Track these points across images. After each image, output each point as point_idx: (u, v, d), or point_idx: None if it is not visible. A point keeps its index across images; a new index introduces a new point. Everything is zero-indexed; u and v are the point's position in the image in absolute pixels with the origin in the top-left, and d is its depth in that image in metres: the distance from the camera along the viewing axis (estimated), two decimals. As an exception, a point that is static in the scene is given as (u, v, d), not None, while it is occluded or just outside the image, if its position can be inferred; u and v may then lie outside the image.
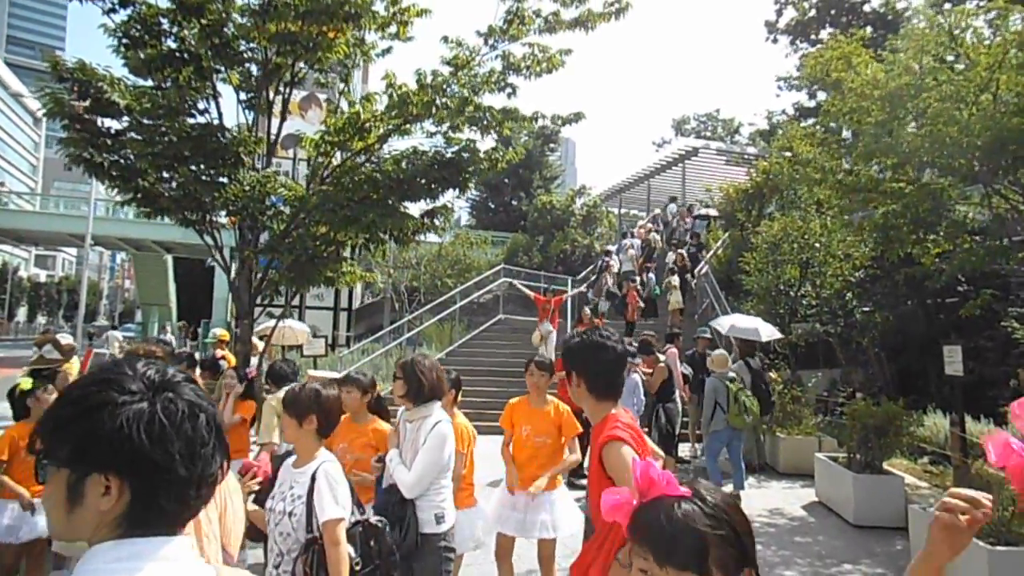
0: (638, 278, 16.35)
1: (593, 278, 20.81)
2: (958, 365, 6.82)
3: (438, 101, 6.54)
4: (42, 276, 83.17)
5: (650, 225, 21.22)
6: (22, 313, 73.49)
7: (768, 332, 9.86)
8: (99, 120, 6.81)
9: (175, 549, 0.97)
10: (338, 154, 7.50)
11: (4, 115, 78.87)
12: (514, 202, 34.10)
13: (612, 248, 20.34)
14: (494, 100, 6.14)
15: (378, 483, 3.33)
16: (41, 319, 74.53)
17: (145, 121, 6.50)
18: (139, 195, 7.17)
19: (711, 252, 17.47)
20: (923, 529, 4.54)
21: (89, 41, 6.97)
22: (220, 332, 9.12)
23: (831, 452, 7.93)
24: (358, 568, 2.61)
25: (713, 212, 19.48)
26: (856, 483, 6.77)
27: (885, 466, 7.13)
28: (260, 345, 8.50)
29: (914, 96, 7.26)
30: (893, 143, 7.38)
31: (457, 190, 7.51)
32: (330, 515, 2.53)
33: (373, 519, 2.82)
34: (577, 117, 7.28)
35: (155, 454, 0.94)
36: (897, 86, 7.41)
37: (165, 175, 6.95)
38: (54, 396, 3.96)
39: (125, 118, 6.79)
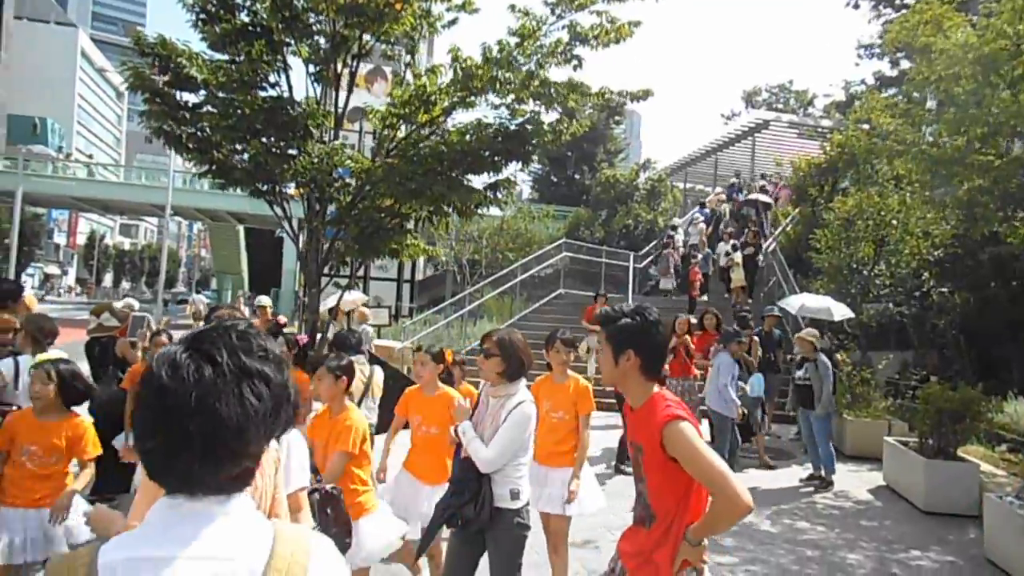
0: (699, 255, 15.99)
1: (655, 255, 20.52)
2: (1045, 350, 6.44)
3: (502, 76, 6.49)
4: (126, 244, 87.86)
5: (723, 195, 20.54)
6: (108, 279, 78.01)
7: (840, 312, 9.60)
8: (178, 94, 7.08)
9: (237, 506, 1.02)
10: (404, 127, 7.57)
11: (90, 89, 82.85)
12: (577, 176, 33.78)
13: (677, 222, 19.97)
14: (560, 72, 6.12)
15: (456, 453, 3.20)
16: (125, 284, 78.99)
17: (220, 94, 6.72)
18: (214, 167, 7.45)
19: (780, 228, 16.91)
20: (998, 518, 4.40)
21: (168, 16, 7.23)
22: (266, 301, 9.45)
23: (901, 436, 7.66)
24: None
25: (764, 198, 18.11)
26: (927, 468, 6.53)
27: (960, 452, 6.85)
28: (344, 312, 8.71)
29: (1009, 61, 6.79)
30: (984, 112, 6.93)
31: (520, 162, 7.49)
32: (297, 484, 2.40)
33: (329, 486, 2.74)
34: (645, 94, 7.11)
35: None
36: (992, 51, 6.94)
37: (238, 147, 7.18)
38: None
39: (202, 92, 7.03)
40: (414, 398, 4.13)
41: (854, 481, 7.48)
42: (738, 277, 14.50)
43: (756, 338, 9.07)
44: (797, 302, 10.06)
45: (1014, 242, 8.61)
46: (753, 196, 18.28)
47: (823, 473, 7.21)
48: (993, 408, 7.95)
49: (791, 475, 7.62)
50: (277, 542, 0.99)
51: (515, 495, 3.03)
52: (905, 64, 19.18)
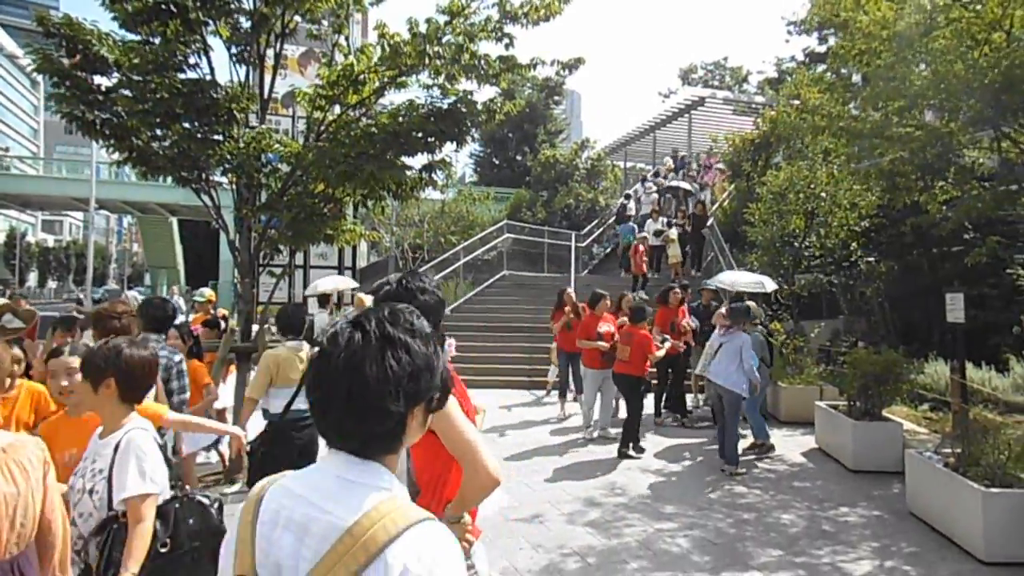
0: (649, 227, 16.16)
1: (598, 232, 20.68)
2: (959, 312, 6.78)
3: (430, 50, 6.36)
4: (50, 241, 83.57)
5: (671, 164, 20.80)
6: (33, 278, 74.13)
7: (771, 285, 9.98)
8: (89, 77, 6.69)
9: None
10: (334, 109, 7.37)
11: (1, 78, 78.06)
12: (518, 157, 33.76)
13: (630, 192, 20.23)
14: (491, 50, 6.08)
15: None
16: (51, 284, 75.24)
17: (135, 77, 6.38)
18: (133, 154, 7.08)
19: (716, 204, 17.29)
20: (919, 473, 4.60)
21: (82, 1, 6.82)
22: (208, 293, 9.19)
23: (832, 400, 7.97)
24: (164, 550, 2.31)
25: (685, 185, 18.07)
26: (855, 429, 6.82)
27: (885, 413, 7.17)
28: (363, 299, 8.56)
29: (923, 35, 7.05)
30: (900, 86, 7.19)
31: (455, 143, 7.38)
32: (133, 491, 2.23)
33: (200, 496, 2.56)
34: (577, 62, 7.06)
35: None
36: (907, 25, 7.19)
37: (158, 133, 6.85)
38: None
39: (115, 74, 6.67)
40: None
41: (789, 445, 7.77)
42: (674, 253, 14.79)
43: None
44: (729, 279, 10.36)
45: (932, 211, 9.01)
46: (674, 183, 18.62)
47: (759, 440, 7.45)
48: (915, 369, 8.36)
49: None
50: (372, 511, 1.07)
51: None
52: (833, 40, 19.77)
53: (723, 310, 7.55)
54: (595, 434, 7.96)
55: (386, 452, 1.17)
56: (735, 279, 10.27)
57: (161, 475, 2.37)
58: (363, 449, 1.14)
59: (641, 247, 14.56)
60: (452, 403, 2.06)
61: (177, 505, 2.44)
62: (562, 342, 8.99)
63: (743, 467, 6.76)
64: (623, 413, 7.78)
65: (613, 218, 20.14)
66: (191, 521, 2.44)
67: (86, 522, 2.29)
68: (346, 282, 13.53)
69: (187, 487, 2.70)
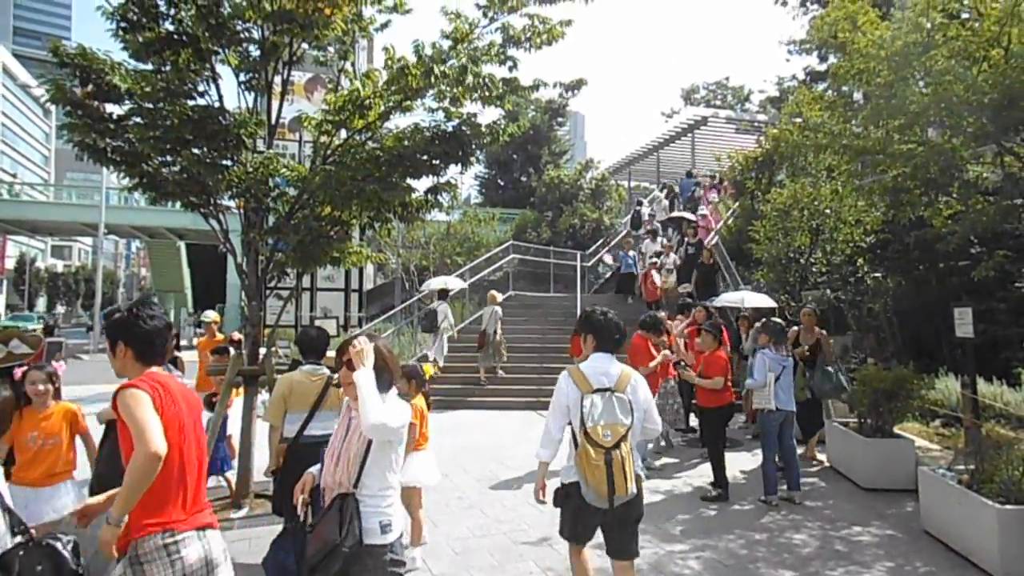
0: (644, 250, 16.09)
1: (613, 243, 20.47)
2: (968, 327, 6.75)
3: (437, 70, 6.45)
4: (59, 266, 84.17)
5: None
6: (41, 303, 74.59)
7: (772, 303, 10.00)
8: (101, 105, 6.81)
9: None
10: (342, 133, 7.47)
11: (14, 107, 79.33)
12: (523, 178, 33.93)
13: (642, 199, 20.39)
14: (495, 73, 6.16)
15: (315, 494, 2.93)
16: (60, 308, 75.68)
17: (146, 105, 6.48)
18: (144, 180, 7.19)
19: (720, 222, 17.29)
20: (932, 490, 4.57)
21: (94, 29, 6.96)
22: (212, 315, 9.24)
23: (842, 418, 7.91)
24: None
25: (690, 216, 17.40)
26: (866, 447, 6.78)
27: (896, 430, 7.13)
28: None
29: (921, 54, 7.10)
30: (900, 104, 7.24)
31: (460, 165, 7.45)
32: None
33: (49, 539, 2.47)
34: (579, 84, 7.16)
35: None
36: (904, 45, 7.25)
37: (168, 159, 6.95)
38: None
39: (127, 102, 6.78)
40: None
41: (800, 464, 7.69)
42: (670, 281, 14.39)
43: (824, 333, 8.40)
44: (735, 296, 10.33)
45: (937, 225, 9.01)
46: (676, 214, 18.40)
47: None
48: (925, 385, 8.29)
49: (740, 462, 7.79)
50: None
51: (385, 528, 2.68)
52: (833, 59, 19.90)
53: (761, 330, 7.30)
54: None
55: None
56: (743, 296, 10.23)
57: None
58: None
59: (653, 274, 14.33)
60: (137, 395, 2.34)
61: (21, 552, 2.38)
62: None
63: (753, 484, 6.70)
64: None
65: (627, 226, 20.23)
66: (39, 568, 2.38)
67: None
68: (455, 281, 14.81)
69: (33, 532, 2.61)
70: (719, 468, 6.58)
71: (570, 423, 3.54)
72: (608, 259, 20.22)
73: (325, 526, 2.59)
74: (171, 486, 2.39)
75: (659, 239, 16.12)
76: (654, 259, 14.82)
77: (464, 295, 16.36)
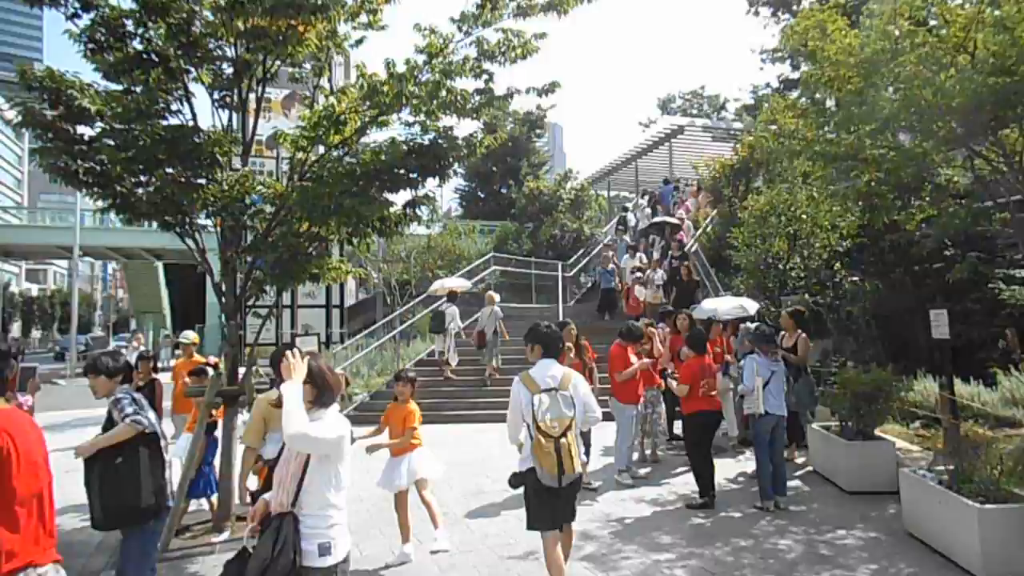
0: (623, 265, 15.91)
1: (591, 254, 20.44)
2: (945, 329, 6.84)
3: (407, 90, 6.45)
4: (34, 290, 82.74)
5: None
6: (16, 328, 73.19)
7: (752, 305, 10.02)
8: (72, 128, 6.71)
9: None
10: (319, 149, 7.44)
11: (-15, 130, 78.16)
12: (503, 190, 33.99)
13: (628, 205, 20.44)
14: (470, 86, 6.16)
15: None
16: (35, 333, 74.32)
17: (117, 125, 6.40)
18: (117, 201, 7.08)
19: (699, 230, 17.42)
20: (914, 492, 4.61)
21: (66, 51, 6.87)
22: (192, 336, 9.10)
23: (824, 422, 7.96)
24: None
25: (673, 220, 17.44)
26: (848, 450, 6.82)
27: (877, 432, 7.17)
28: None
29: (890, 61, 7.23)
30: (871, 110, 7.35)
31: (438, 178, 7.44)
32: None
33: None
34: (553, 87, 7.14)
35: None
36: (872, 52, 7.38)
37: (142, 179, 6.86)
38: None
39: (98, 124, 6.70)
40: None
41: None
42: (656, 295, 14.06)
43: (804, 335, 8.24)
44: (710, 306, 10.22)
45: (911, 229, 9.15)
46: (659, 219, 18.20)
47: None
48: (904, 387, 8.39)
49: (724, 469, 7.80)
50: None
51: (324, 550, 2.59)
52: (805, 68, 20.24)
53: (746, 336, 7.27)
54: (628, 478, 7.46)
55: None
56: (716, 306, 10.14)
57: None
58: None
59: (636, 289, 14.13)
60: None
61: None
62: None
63: (736, 491, 6.71)
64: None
65: (612, 234, 20.34)
66: None
67: None
68: (460, 282, 15.14)
69: None
70: (700, 476, 6.57)
71: (524, 420, 4.10)
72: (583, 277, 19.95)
73: (261, 546, 2.53)
74: (32, 522, 2.39)
75: (638, 255, 16.05)
76: (636, 274, 14.61)
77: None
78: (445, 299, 13.57)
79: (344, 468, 2.75)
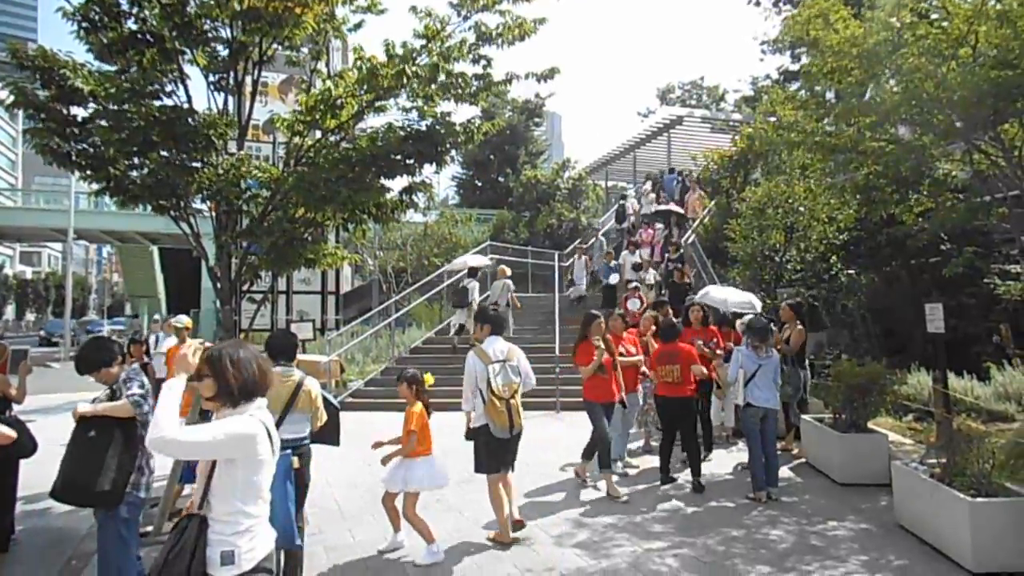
0: (622, 262, 15.55)
1: (589, 244, 20.26)
2: (939, 322, 6.83)
3: (408, 70, 6.39)
4: (28, 273, 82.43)
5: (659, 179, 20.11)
6: (10, 311, 72.99)
7: (759, 304, 9.87)
8: (64, 108, 6.65)
9: None
10: (313, 134, 7.38)
11: (-21, 110, 77.45)
12: (500, 179, 33.93)
13: (628, 192, 20.26)
14: (468, 71, 6.11)
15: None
16: (30, 316, 74.09)
17: (111, 106, 6.34)
18: (111, 183, 7.03)
19: (697, 221, 17.39)
20: (906, 484, 4.61)
21: (60, 33, 6.77)
22: (185, 320, 9.05)
23: (818, 414, 7.98)
24: None
25: (678, 209, 16.94)
26: (841, 443, 6.83)
27: (870, 425, 7.19)
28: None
29: (892, 53, 7.19)
30: (871, 102, 7.32)
31: (435, 164, 7.40)
32: None
33: None
34: (552, 73, 7.10)
35: None
36: (875, 43, 7.33)
37: (135, 161, 6.81)
38: None
39: (91, 105, 6.63)
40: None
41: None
42: (651, 296, 13.36)
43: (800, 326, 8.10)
44: (719, 295, 10.04)
45: (908, 222, 9.14)
46: (663, 207, 17.34)
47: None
48: (898, 380, 8.40)
49: (717, 459, 7.83)
50: None
51: (226, 559, 2.35)
52: (806, 59, 20.15)
53: (743, 329, 7.20)
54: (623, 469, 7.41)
55: None
56: (726, 296, 9.90)
57: None
58: None
59: (629, 303, 13.80)
60: None
61: None
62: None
63: (728, 482, 6.73)
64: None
65: (612, 220, 20.22)
66: None
67: None
68: (480, 258, 15.52)
69: None
70: (661, 455, 6.93)
71: (479, 386, 5.01)
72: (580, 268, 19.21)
73: (164, 546, 2.40)
74: None
75: (638, 251, 15.65)
76: (634, 281, 13.70)
77: (443, 296, 16.27)
78: (466, 274, 13.91)
79: (262, 475, 2.45)
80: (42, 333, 38.37)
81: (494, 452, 5.07)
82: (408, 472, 4.96)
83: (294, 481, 3.49)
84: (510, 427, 5.00)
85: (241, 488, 2.40)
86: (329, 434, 4.94)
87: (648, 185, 19.73)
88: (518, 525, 5.33)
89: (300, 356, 12.76)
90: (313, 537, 5.25)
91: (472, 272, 13.82)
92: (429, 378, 5.20)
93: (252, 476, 2.42)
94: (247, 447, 2.39)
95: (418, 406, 5.02)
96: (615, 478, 6.73)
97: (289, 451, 2.73)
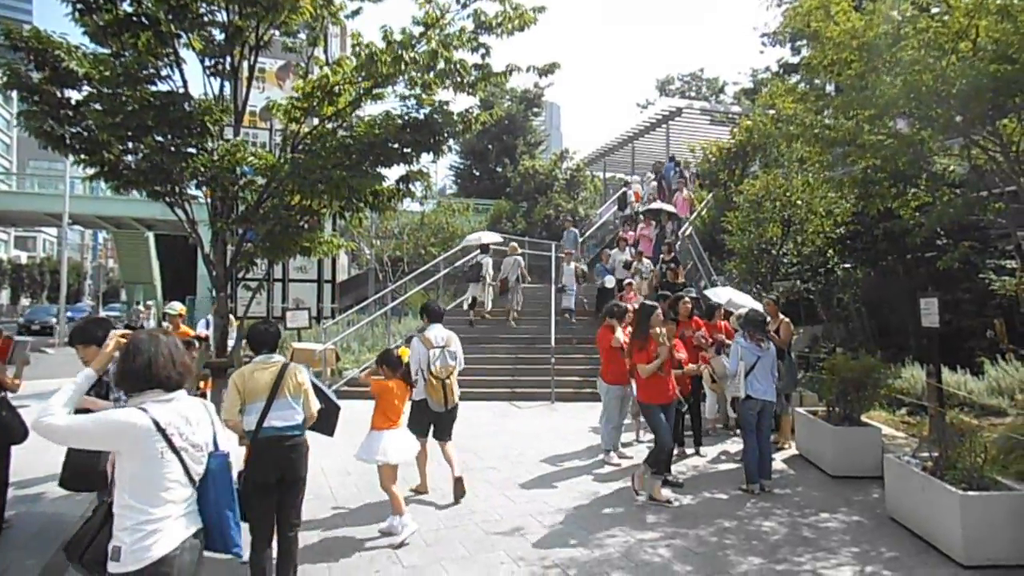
0: (613, 261, 15.31)
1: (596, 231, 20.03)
2: (934, 317, 6.85)
3: (407, 56, 6.33)
4: (23, 258, 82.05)
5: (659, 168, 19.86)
6: (4, 296, 72.73)
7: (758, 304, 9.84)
8: (58, 91, 6.57)
9: None
10: (310, 120, 7.32)
11: (-27, 93, 76.79)
12: (499, 169, 33.81)
13: (629, 180, 20.26)
14: (467, 60, 6.05)
15: None
16: (24, 301, 73.81)
17: (105, 90, 6.26)
18: (105, 168, 6.97)
19: (695, 213, 17.36)
20: (897, 477, 4.63)
21: (55, 15, 6.69)
22: (179, 307, 8.98)
23: (812, 407, 8.01)
24: None
25: (669, 208, 16.52)
26: (834, 435, 6.86)
27: (864, 418, 7.22)
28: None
29: (892, 45, 7.16)
30: (871, 95, 7.30)
31: (432, 153, 7.35)
32: None
33: None
34: (553, 67, 7.06)
35: None
36: (875, 35, 7.30)
37: (130, 146, 6.75)
38: None
39: (85, 88, 6.56)
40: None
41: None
42: (644, 287, 13.39)
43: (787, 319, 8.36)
44: (725, 294, 9.93)
45: (905, 216, 9.14)
46: (655, 206, 16.89)
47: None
48: (892, 374, 8.43)
49: (710, 452, 7.85)
50: None
51: (113, 554, 2.27)
52: (806, 51, 20.07)
53: (737, 322, 7.22)
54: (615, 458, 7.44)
55: None
56: (732, 296, 9.71)
57: None
58: None
59: (632, 291, 13.68)
60: None
61: None
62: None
63: (722, 474, 6.75)
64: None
65: (615, 207, 20.18)
66: None
67: None
68: (492, 236, 15.99)
69: None
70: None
71: (420, 367, 5.95)
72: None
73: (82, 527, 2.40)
74: None
75: (627, 248, 15.45)
76: (628, 278, 13.59)
77: (440, 285, 16.24)
78: (479, 251, 14.65)
79: (156, 471, 2.33)
80: (21, 320, 37.66)
81: (426, 419, 6.09)
82: (380, 444, 5.17)
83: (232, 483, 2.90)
84: (445, 402, 5.99)
85: (129, 482, 2.32)
86: (324, 424, 4.90)
87: (652, 174, 19.66)
88: (458, 484, 6.01)
89: (296, 344, 12.79)
90: (307, 523, 5.25)
91: (485, 248, 14.61)
92: (404, 352, 5.64)
93: (140, 471, 2.32)
94: (127, 439, 2.30)
95: (393, 382, 5.32)
96: (609, 469, 6.79)
97: (226, 452, 2.62)
